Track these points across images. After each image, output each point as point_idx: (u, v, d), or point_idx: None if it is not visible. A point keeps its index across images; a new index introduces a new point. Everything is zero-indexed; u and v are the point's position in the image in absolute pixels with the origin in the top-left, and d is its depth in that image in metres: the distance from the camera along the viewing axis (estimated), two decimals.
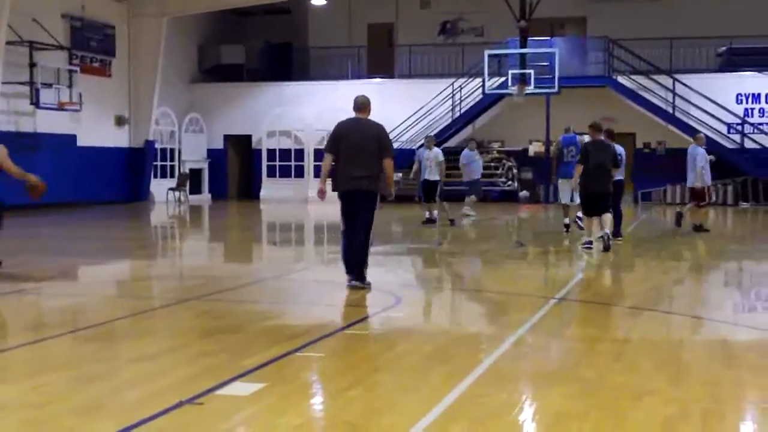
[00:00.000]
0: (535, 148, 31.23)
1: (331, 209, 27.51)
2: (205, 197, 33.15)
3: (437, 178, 19.73)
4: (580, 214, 16.00)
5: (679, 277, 12.49)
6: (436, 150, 20.29)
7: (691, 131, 27.32)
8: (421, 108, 30.86)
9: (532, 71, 27.79)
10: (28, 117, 26.33)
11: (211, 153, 34.04)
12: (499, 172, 30.75)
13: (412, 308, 9.72)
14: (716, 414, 5.39)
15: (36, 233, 18.99)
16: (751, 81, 29.78)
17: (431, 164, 19.89)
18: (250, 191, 34.26)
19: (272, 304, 9.98)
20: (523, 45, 28.24)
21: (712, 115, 29.25)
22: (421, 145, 22.87)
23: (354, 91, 34.85)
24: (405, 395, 5.74)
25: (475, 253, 15.06)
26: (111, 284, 12.07)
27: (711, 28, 29.93)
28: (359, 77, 33.62)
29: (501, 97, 29.87)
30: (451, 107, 31.05)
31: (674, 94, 29.51)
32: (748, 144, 29.45)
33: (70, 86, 26.80)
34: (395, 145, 30.26)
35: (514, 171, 30.58)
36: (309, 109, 32.86)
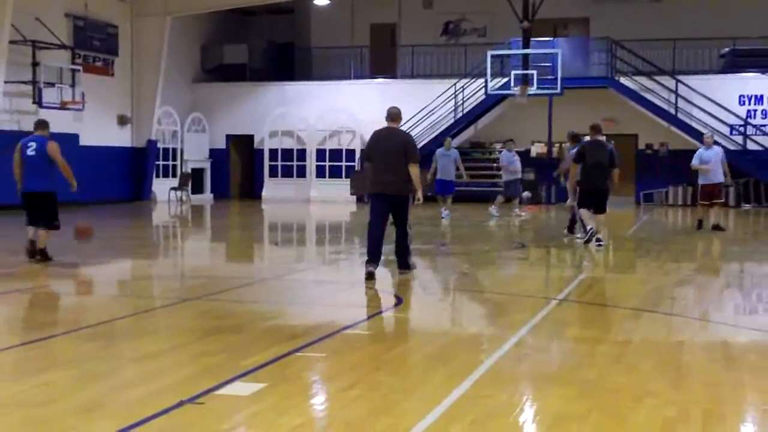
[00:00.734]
0: (537, 149, 31.25)
1: (332, 210, 27.60)
2: (207, 197, 33.17)
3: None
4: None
5: (680, 278, 12.48)
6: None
7: (694, 133, 27.39)
8: (423, 108, 30.84)
9: (534, 72, 27.78)
10: (31, 116, 26.24)
11: (214, 153, 34.05)
12: (501, 172, 30.73)
13: (413, 309, 9.73)
14: (716, 416, 5.39)
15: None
16: (753, 82, 29.75)
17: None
18: (252, 191, 34.27)
19: (273, 304, 9.99)
20: (526, 46, 28.24)
21: (715, 117, 29.21)
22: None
23: (356, 91, 35.14)
24: (406, 396, 5.74)
25: (476, 253, 15.06)
26: (112, 283, 12.09)
27: (714, 29, 29.92)
28: (362, 77, 33.64)
29: (503, 97, 29.85)
30: (453, 108, 31.04)
31: (677, 95, 29.48)
32: (751, 146, 29.42)
33: (72, 85, 26.83)
34: None
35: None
36: (311, 109, 32.88)
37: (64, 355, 7.08)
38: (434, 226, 20.22)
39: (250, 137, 34.18)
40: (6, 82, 24.73)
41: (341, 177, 32.40)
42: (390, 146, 11.20)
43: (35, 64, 25.68)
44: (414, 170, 11.20)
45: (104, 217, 22.86)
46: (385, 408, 5.47)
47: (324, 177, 32.95)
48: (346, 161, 32.43)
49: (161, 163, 31.84)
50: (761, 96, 29.71)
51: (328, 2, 33.64)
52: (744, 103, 29.76)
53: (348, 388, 5.90)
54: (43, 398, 5.62)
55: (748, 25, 29.73)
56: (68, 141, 27.16)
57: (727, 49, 30.09)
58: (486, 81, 29.06)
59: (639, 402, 5.62)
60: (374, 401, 5.62)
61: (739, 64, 29.89)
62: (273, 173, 33.51)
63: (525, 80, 27.70)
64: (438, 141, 30.78)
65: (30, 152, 12.67)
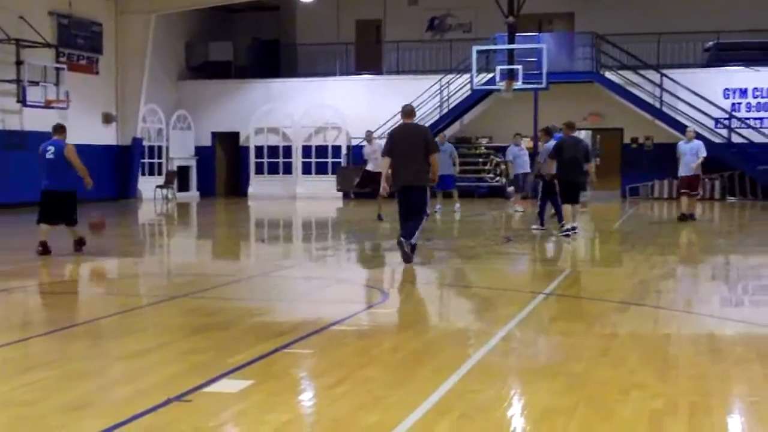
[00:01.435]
0: (523, 143, 31.22)
1: (318, 207, 27.58)
2: (193, 195, 33.09)
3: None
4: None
5: (667, 271, 12.53)
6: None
7: (679, 126, 27.46)
8: None
9: (520, 67, 27.77)
10: (15, 115, 26.24)
11: (199, 150, 33.96)
12: (487, 167, 30.82)
13: (400, 304, 9.73)
14: (703, 407, 5.41)
15: (23, 231, 18.93)
16: (738, 76, 29.85)
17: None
18: (238, 188, 34.22)
19: (260, 301, 9.98)
20: (511, 41, 28.24)
21: (700, 110, 29.31)
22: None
23: (342, 88, 35.11)
24: (393, 391, 5.75)
25: (462, 248, 15.07)
26: (99, 282, 12.06)
27: (698, 23, 30.03)
28: (347, 74, 33.62)
29: (489, 92, 29.88)
30: (439, 103, 31.07)
31: (662, 89, 29.58)
32: (736, 138, 29.54)
33: (57, 84, 26.75)
34: (383, 142, 30.46)
35: (503, 167, 30.62)
36: (297, 106, 32.85)
37: (51, 354, 7.06)
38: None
39: (236, 134, 34.12)
40: None
41: (327, 173, 32.38)
42: (411, 141, 12.04)
43: (19, 63, 25.58)
44: (435, 160, 12.15)
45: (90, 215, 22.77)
46: (372, 403, 5.47)
47: (310, 173, 32.92)
48: (332, 157, 32.40)
49: (147, 161, 31.76)
50: (745, 89, 29.82)
51: None
52: (728, 97, 29.86)
53: (335, 385, 5.90)
54: (30, 397, 5.60)
55: (732, 18, 29.82)
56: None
57: (711, 43, 30.20)
58: (471, 76, 29.07)
59: (626, 395, 5.64)
60: (362, 397, 5.62)
61: (723, 58, 30.00)
62: (259, 170, 33.46)
63: (510, 75, 27.71)
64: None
65: (49, 155, 13.56)
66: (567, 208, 16.30)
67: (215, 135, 34.31)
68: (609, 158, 33.71)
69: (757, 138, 29.35)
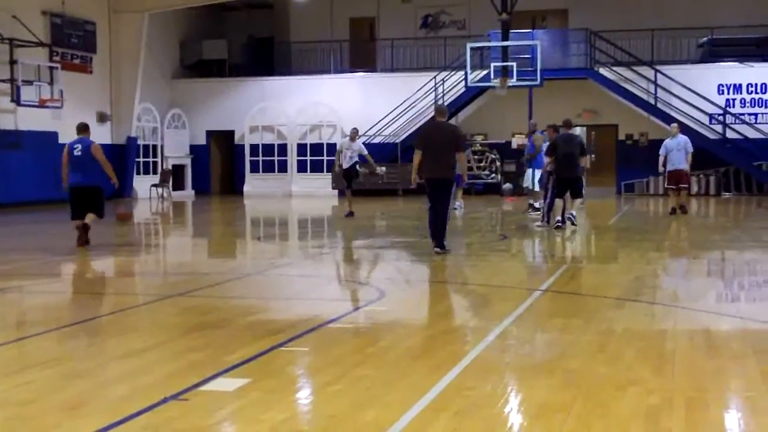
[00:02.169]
0: (518, 140, 31.26)
1: (314, 205, 27.56)
2: (188, 193, 33.07)
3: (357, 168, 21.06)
4: (532, 201, 20.40)
5: (662, 267, 12.54)
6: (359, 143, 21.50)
7: (674, 122, 27.45)
8: (403, 102, 30.86)
9: (514, 64, 27.80)
10: (9, 114, 26.21)
11: (194, 149, 33.95)
12: (482, 164, 30.83)
13: (396, 302, 9.71)
14: (699, 403, 5.42)
15: (19, 230, 18.92)
16: (732, 72, 29.90)
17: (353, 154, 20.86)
18: (233, 187, 34.21)
19: (256, 300, 9.97)
20: (505, 38, 28.25)
21: (694, 106, 29.37)
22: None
23: (336, 85, 35.03)
24: (389, 388, 5.74)
25: (458, 245, 15.07)
26: (95, 281, 12.04)
27: (692, 19, 30.07)
28: (341, 71, 33.62)
29: (483, 90, 29.90)
30: (433, 100, 31.04)
31: (656, 85, 29.61)
32: (730, 134, 29.59)
33: (51, 83, 26.72)
34: (377, 140, 30.56)
35: (498, 164, 30.66)
36: (291, 104, 32.85)
37: (46, 353, 7.04)
38: (417, 219, 20.21)
39: (231, 133, 34.10)
40: None
41: (322, 171, 32.35)
42: (440, 138, 12.89)
43: (13, 62, 25.54)
44: (462, 157, 13.21)
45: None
46: (369, 401, 5.46)
47: (305, 171, 32.91)
48: (327, 155, 32.36)
49: (141, 159, 31.73)
50: (739, 85, 29.87)
51: None
52: (723, 93, 29.91)
53: (332, 382, 5.90)
54: (25, 397, 5.59)
55: (726, 14, 29.88)
56: (47, 139, 27.08)
57: (705, 39, 30.24)
58: (466, 73, 29.08)
59: (623, 390, 5.64)
60: (358, 395, 5.62)
61: (717, 54, 30.06)
62: (254, 168, 33.44)
63: (505, 72, 27.72)
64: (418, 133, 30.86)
65: (77, 153, 14.45)
66: (558, 203, 17.03)
67: (210, 133, 34.29)
68: (604, 155, 33.73)
69: (751, 133, 29.40)
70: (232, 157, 34.41)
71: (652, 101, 29.55)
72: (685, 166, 20.52)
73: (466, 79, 29.26)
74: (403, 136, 30.86)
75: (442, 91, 30.92)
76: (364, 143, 22.41)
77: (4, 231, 19.31)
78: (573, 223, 16.87)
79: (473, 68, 29.03)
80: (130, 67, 30.48)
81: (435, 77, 30.95)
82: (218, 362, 6.41)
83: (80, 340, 7.49)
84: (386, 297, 9.69)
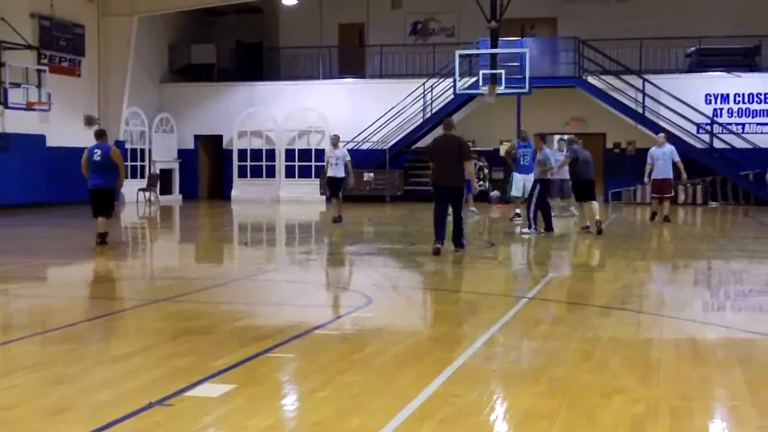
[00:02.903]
0: (506, 148, 31.27)
1: (302, 210, 27.53)
2: (175, 198, 32.99)
3: (343, 175, 20.76)
4: (518, 210, 20.63)
5: (649, 276, 12.58)
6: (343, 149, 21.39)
7: (661, 131, 27.54)
8: (392, 108, 30.87)
9: (502, 71, 27.79)
10: None
11: (182, 153, 33.87)
12: None
13: (383, 308, 9.72)
14: (685, 412, 5.43)
15: (5, 234, 18.84)
16: (719, 81, 30.01)
17: (339, 162, 20.74)
18: (220, 192, 34.13)
19: (243, 305, 9.96)
20: (494, 45, 28.28)
21: (682, 116, 29.45)
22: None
23: (325, 91, 35.00)
24: (375, 395, 5.74)
25: (445, 252, 15.07)
26: (81, 285, 12.00)
27: (680, 29, 30.17)
28: (330, 77, 33.60)
29: (472, 97, 29.90)
30: (422, 107, 31.07)
31: (644, 94, 29.70)
32: (717, 144, 29.67)
33: (38, 86, 26.61)
34: (366, 146, 30.58)
35: (486, 171, 30.68)
36: (280, 109, 32.82)
37: (30, 358, 7.02)
38: (404, 226, 20.23)
39: (219, 138, 34.04)
40: None
41: (311, 177, 32.32)
42: (448, 150, 14.19)
43: (0, 65, 25.44)
44: (468, 166, 14.32)
45: (72, 218, 22.70)
46: (354, 408, 5.46)
47: (293, 177, 32.87)
48: (316, 161, 32.32)
49: (129, 163, 31.54)
50: (727, 95, 29.97)
51: (297, 2, 33.49)
52: (710, 102, 30.00)
53: (317, 389, 5.89)
54: (9, 401, 5.57)
55: (714, 24, 29.98)
56: (34, 142, 27.02)
57: (693, 49, 30.35)
58: (454, 81, 29.09)
59: (608, 399, 5.65)
60: (344, 401, 5.61)
61: (705, 64, 30.18)
62: (242, 173, 33.38)
63: (493, 80, 27.73)
64: (406, 140, 30.89)
65: (96, 157, 15.29)
66: (579, 206, 19.37)
67: (198, 138, 34.22)
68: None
69: (738, 143, 29.49)
70: (220, 161, 34.35)
71: (640, 110, 29.63)
72: (670, 174, 20.71)
73: (454, 86, 29.27)
74: (392, 143, 30.89)
75: (431, 98, 30.95)
76: (352, 149, 22.33)
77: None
78: (599, 231, 17.47)
79: (462, 75, 29.04)
80: (119, 70, 30.41)
81: (424, 84, 30.98)
82: (204, 368, 6.40)
83: (65, 344, 7.46)
84: (373, 304, 9.69)
